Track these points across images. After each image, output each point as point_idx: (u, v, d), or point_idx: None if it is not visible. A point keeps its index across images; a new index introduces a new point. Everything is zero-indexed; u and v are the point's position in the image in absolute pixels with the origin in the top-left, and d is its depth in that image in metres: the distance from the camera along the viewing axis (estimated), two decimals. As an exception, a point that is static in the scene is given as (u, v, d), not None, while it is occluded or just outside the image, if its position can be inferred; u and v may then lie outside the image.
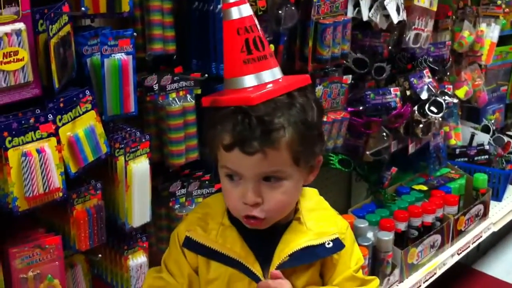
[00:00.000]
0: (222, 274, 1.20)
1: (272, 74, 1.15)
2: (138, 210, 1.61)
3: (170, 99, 1.71)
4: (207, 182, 1.81)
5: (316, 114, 1.14)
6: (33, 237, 1.45)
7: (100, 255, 1.63)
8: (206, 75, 1.76)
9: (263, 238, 1.20)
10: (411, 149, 2.66)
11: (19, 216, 1.35)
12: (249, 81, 1.13)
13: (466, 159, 3.23)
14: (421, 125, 2.57)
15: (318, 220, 1.24)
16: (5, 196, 1.33)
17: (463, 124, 3.37)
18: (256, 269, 1.18)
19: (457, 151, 3.26)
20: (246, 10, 1.15)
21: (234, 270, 1.19)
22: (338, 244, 1.22)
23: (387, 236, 2.31)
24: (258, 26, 1.17)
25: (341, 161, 2.54)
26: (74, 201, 1.48)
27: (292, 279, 1.20)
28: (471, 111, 3.61)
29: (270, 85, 1.14)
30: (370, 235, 2.31)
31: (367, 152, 2.58)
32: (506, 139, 3.33)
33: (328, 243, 1.21)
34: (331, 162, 2.51)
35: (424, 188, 2.73)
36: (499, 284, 3.02)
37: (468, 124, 3.49)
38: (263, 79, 1.13)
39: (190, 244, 1.23)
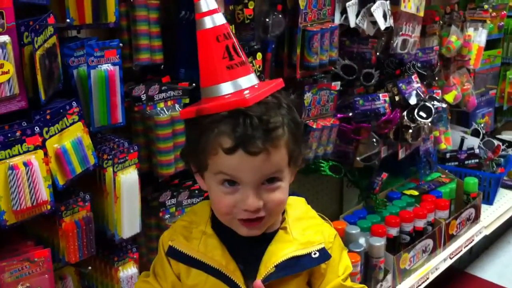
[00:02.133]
0: (202, 282, 1.19)
1: (250, 80, 1.15)
2: (128, 221, 1.60)
3: (158, 109, 1.71)
4: (196, 191, 1.81)
5: (297, 115, 1.17)
6: (22, 250, 1.44)
7: (90, 267, 1.62)
8: (194, 84, 1.76)
9: (248, 247, 1.18)
10: (401, 154, 2.67)
11: (7, 230, 1.34)
12: (232, 86, 1.13)
13: (456, 163, 3.24)
14: (410, 130, 2.58)
15: (305, 229, 1.21)
16: (-8, 210, 1.32)
17: (453, 128, 3.38)
18: (237, 278, 1.16)
19: (448, 155, 3.27)
20: (220, 18, 1.15)
21: (214, 279, 1.18)
22: (324, 254, 1.19)
23: (379, 242, 2.31)
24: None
25: (331, 168, 2.54)
26: (63, 214, 1.48)
27: None
28: (460, 116, 3.63)
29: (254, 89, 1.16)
30: (362, 241, 2.31)
31: (358, 158, 2.58)
32: (496, 142, 3.34)
33: (315, 253, 1.19)
34: (322, 168, 2.51)
35: (415, 193, 2.73)
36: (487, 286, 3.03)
37: (458, 128, 3.51)
38: (245, 84, 1.14)
39: (173, 253, 1.22)
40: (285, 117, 1.11)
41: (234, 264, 1.17)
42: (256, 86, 1.15)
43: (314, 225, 1.24)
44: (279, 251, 1.18)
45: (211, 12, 1.15)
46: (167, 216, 1.79)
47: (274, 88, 1.16)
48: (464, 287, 3.02)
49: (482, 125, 3.52)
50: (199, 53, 1.16)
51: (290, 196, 1.22)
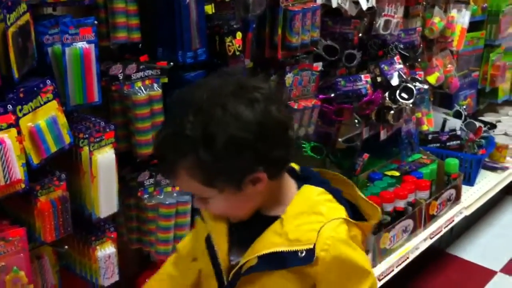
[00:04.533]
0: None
1: None
2: (105, 200, 1.59)
3: (136, 88, 1.70)
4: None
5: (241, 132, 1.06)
6: (-3, 229, 1.43)
7: (66, 247, 1.61)
8: (172, 63, 1.74)
9: (248, 227, 1.14)
10: (383, 135, 2.68)
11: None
12: None
13: (438, 144, 3.26)
14: (392, 112, 2.58)
15: (300, 225, 1.10)
16: (-35, 189, 1.30)
17: (435, 110, 3.39)
18: (221, 251, 1.17)
19: (429, 137, 3.29)
20: None
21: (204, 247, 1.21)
22: (309, 256, 1.07)
23: (359, 222, 2.32)
24: None
25: (313, 148, 2.54)
26: (38, 193, 1.46)
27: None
28: (443, 97, 3.64)
29: None
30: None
31: (339, 139, 2.59)
32: (477, 124, 3.36)
33: (301, 252, 1.07)
34: (304, 149, 2.51)
35: (396, 174, 2.75)
36: (473, 267, 3.06)
37: (440, 110, 3.52)
38: None
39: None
40: (191, 148, 1.00)
41: (225, 241, 1.17)
42: None
43: (314, 222, 1.10)
44: (267, 242, 1.11)
45: None
46: (145, 196, 1.78)
47: None
48: (445, 266, 3.05)
49: (464, 107, 3.54)
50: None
51: (307, 185, 1.15)
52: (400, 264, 2.51)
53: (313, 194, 1.14)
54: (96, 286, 1.70)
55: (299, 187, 1.16)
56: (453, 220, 2.87)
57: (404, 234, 2.55)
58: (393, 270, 2.47)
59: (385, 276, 2.42)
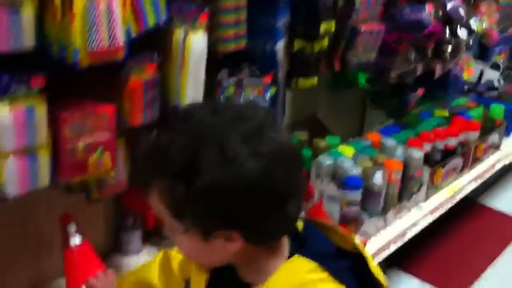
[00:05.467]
0: None
1: None
2: (193, 89, 1.48)
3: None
4: (257, 71, 1.69)
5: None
6: (86, 103, 1.31)
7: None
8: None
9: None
10: (438, 71, 2.59)
11: (79, 74, 1.21)
12: None
13: (475, 94, 3.19)
14: (450, 46, 2.49)
15: None
16: (63, 49, 1.17)
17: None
18: None
19: (465, 87, 3.22)
20: None
21: None
22: None
23: (418, 153, 2.25)
24: None
25: (368, 80, 2.46)
26: (130, 70, 1.34)
27: None
28: (479, 49, 3.56)
29: None
30: (399, 152, 2.25)
31: (392, 74, 2.50)
32: (516, 75, 3.30)
33: None
34: (358, 79, 2.43)
35: (446, 113, 2.68)
36: (506, 218, 3.04)
37: (476, 61, 3.44)
38: None
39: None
40: (170, 173, 0.84)
41: None
42: None
43: None
44: None
45: None
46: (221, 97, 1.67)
47: None
48: (478, 216, 3.02)
49: (502, 60, 3.46)
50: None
51: (298, 257, 0.92)
52: (448, 203, 2.45)
53: (302, 270, 0.90)
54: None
55: (291, 251, 0.93)
56: (494, 166, 2.82)
57: (454, 173, 2.49)
58: (440, 208, 2.41)
59: (433, 212, 2.37)
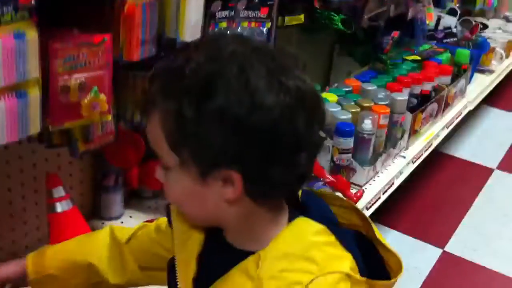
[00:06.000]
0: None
1: None
2: (192, 22, 1.27)
3: None
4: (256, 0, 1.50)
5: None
6: (79, 33, 1.08)
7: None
8: None
9: (219, 256, 0.86)
10: (410, 14, 2.50)
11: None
12: None
13: (434, 41, 3.14)
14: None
15: (283, 271, 0.78)
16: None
17: (429, 6, 3.26)
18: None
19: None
20: None
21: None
22: None
23: (402, 97, 2.15)
24: None
25: (343, 22, 2.32)
26: (126, -8, 1.12)
27: None
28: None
29: None
30: (381, 96, 2.14)
31: (365, 16, 2.38)
32: (473, 21, 3.27)
33: None
34: (334, 22, 2.28)
35: (418, 58, 2.60)
36: (470, 166, 3.05)
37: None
38: None
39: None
40: (180, 92, 0.74)
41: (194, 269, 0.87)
42: None
43: (302, 271, 0.78)
44: (231, 286, 0.82)
45: None
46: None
47: None
48: (443, 165, 3.01)
49: (458, 5, 3.43)
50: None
51: (302, 218, 0.82)
52: (427, 149, 2.39)
53: (309, 231, 0.81)
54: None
55: (291, 218, 0.83)
56: (461, 113, 2.79)
57: (430, 119, 2.42)
58: (421, 155, 2.35)
59: (416, 160, 2.29)
